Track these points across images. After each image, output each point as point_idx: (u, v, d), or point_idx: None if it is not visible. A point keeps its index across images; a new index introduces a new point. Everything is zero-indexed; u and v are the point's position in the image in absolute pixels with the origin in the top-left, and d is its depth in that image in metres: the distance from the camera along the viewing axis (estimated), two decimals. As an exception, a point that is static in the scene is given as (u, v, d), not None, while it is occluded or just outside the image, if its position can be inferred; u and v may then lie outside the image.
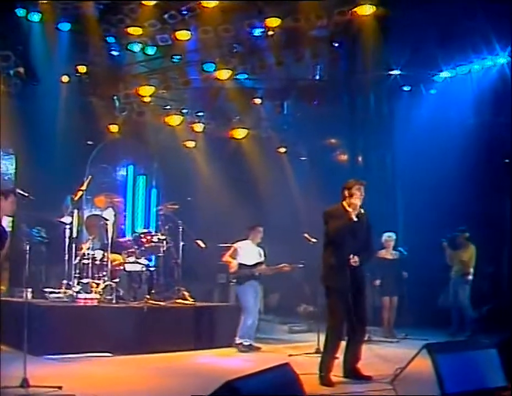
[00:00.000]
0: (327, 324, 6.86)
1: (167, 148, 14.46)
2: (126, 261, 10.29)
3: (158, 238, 10.63)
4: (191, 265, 11.11)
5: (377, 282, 11.47)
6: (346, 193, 6.77)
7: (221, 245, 11.52)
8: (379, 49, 12.55)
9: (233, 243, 9.96)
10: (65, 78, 12.34)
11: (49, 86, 11.76)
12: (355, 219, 6.64)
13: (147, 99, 13.28)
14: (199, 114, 14.58)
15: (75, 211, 10.13)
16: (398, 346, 10.48)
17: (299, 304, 14.04)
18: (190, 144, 14.89)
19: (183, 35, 11.69)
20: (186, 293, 10.56)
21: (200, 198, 13.29)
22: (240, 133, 14.86)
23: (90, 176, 10.56)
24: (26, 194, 6.69)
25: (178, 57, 12.91)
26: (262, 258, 9.80)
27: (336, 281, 6.65)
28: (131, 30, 11.43)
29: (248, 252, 9.80)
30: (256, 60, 12.61)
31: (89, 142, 13.43)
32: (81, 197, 10.31)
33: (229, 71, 12.88)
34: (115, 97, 13.00)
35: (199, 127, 14.68)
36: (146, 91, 13.04)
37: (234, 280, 9.90)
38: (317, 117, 14.78)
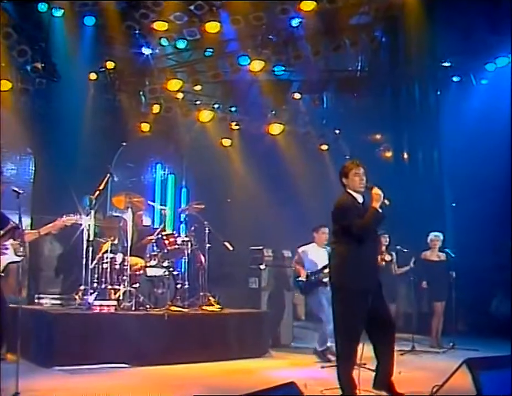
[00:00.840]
0: (339, 331, 6.07)
1: (197, 146, 14.27)
2: (148, 265, 9.79)
3: (183, 241, 10.12)
4: (220, 269, 10.73)
5: (424, 284, 10.94)
6: (344, 181, 6.09)
7: (253, 247, 11.20)
8: (425, 37, 12.19)
9: (298, 247, 9.73)
10: (89, 75, 12.24)
11: (72, 83, 11.59)
12: (380, 211, 5.96)
13: (175, 94, 13.13)
14: (231, 109, 14.24)
15: (92, 212, 9.61)
16: (444, 357, 9.90)
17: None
18: (224, 141, 14.60)
19: (212, 27, 11.42)
20: (212, 299, 10.11)
21: (233, 198, 12.72)
22: (276, 128, 14.46)
23: (108, 175, 9.92)
24: (21, 191, 6.31)
25: (209, 50, 12.65)
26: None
27: (359, 282, 5.90)
28: (156, 25, 11.16)
29: (314, 256, 9.50)
30: (291, 50, 12.32)
31: (123, 143, 13.28)
32: (98, 196, 9.77)
33: (262, 62, 12.56)
34: (141, 93, 12.79)
35: (231, 123, 14.39)
36: (174, 85, 12.82)
37: (302, 289, 9.53)
38: (359, 111, 14.44)
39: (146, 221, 11.42)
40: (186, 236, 10.33)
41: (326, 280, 8.80)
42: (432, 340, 11.03)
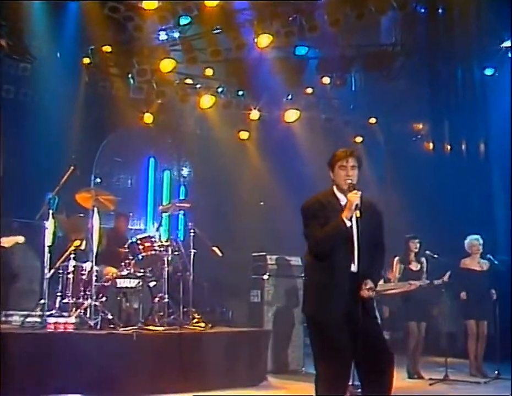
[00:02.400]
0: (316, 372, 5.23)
1: (197, 137, 13.96)
2: (118, 275, 9.10)
3: (161, 245, 9.48)
4: (217, 280, 10.35)
5: (463, 295, 10.05)
6: (331, 175, 5.40)
7: (255, 254, 10.48)
8: (474, 7, 11.80)
9: None
10: (70, 59, 11.95)
11: (50, 67, 11.50)
12: (348, 224, 5.16)
13: (169, 77, 12.56)
14: (239, 93, 13.59)
15: (50, 212, 8.86)
16: (486, 388, 8.96)
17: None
18: (229, 131, 14.09)
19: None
20: (196, 316, 9.36)
21: (241, 198, 11.87)
22: (291, 115, 13.84)
23: (72, 167, 9.10)
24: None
25: (209, 25, 11.82)
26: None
27: (322, 310, 5.16)
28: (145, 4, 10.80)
29: None
30: (305, 20, 11.45)
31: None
32: (58, 193, 9.06)
33: (270, 36, 11.80)
34: (129, 75, 12.27)
35: (238, 109, 13.71)
36: (167, 66, 12.11)
37: None
38: (392, 95, 14.11)
39: (138, 224, 10.47)
40: (166, 240, 9.70)
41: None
42: (471, 367, 10.14)
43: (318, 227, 5.16)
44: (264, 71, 12.68)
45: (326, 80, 13.49)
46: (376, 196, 13.33)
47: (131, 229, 10.17)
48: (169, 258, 9.46)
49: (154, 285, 9.30)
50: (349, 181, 5.17)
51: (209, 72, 12.93)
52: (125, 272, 9.20)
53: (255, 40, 11.73)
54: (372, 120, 14.80)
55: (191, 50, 11.88)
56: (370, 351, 5.05)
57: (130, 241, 9.50)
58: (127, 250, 9.44)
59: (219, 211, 11.88)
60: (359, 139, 14.85)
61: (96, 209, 9.08)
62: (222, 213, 11.72)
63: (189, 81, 13.12)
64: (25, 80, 11.67)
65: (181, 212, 10.36)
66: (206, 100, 13.15)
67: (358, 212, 5.10)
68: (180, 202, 10.11)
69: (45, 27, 11.01)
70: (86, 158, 12.04)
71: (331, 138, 13.94)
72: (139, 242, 9.46)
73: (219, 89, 13.36)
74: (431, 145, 14.73)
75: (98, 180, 9.55)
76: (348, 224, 5.08)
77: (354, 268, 5.14)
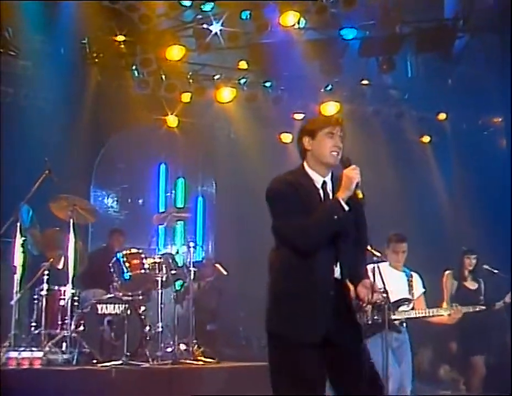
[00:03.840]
0: None
1: (217, 138, 13.60)
2: (100, 300, 8.80)
3: (154, 263, 9.15)
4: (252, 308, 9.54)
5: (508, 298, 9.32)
6: (305, 144, 4.92)
7: None
8: None
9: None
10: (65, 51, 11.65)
11: (40, 60, 11.39)
12: (346, 208, 4.71)
13: (180, 67, 12.26)
14: (266, 84, 13.00)
15: (18, 225, 8.52)
16: None
17: (440, 364, 12.08)
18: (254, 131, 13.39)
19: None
20: (197, 349, 9.03)
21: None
22: (331, 109, 13.06)
23: (45, 172, 8.80)
24: None
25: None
26: (418, 291, 8.18)
27: (297, 329, 4.65)
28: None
29: (385, 282, 7.81)
30: None
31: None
32: (29, 204, 8.88)
33: (297, 13, 11.24)
34: (133, 67, 11.94)
35: (266, 103, 13.10)
36: (175, 54, 11.69)
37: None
38: (455, 80, 13.42)
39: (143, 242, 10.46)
40: (160, 257, 9.25)
41: (398, 320, 7.86)
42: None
43: (297, 215, 4.67)
44: (295, 57, 11.97)
45: (372, 64, 12.74)
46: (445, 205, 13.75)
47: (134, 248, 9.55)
48: (164, 278, 9.10)
49: (145, 311, 9.00)
50: (336, 152, 4.76)
51: (229, 60, 12.59)
52: (108, 296, 8.91)
53: (280, 19, 11.22)
54: (434, 113, 14.13)
55: (204, 35, 11.42)
56: (354, 383, 4.61)
57: (114, 258, 9.16)
58: (111, 270, 9.11)
59: (247, 225, 11.45)
60: (416, 134, 14.31)
61: (71, 221, 8.76)
62: (252, 228, 11.14)
63: (205, 71, 12.72)
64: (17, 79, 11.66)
65: (180, 223, 10.36)
66: (225, 94, 12.71)
67: (359, 192, 4.66)
68: (179, 211, 9.87)
69: (38, 23, 10.97)
70: (83, 165, 12.08)
71: (380, 134, 13.53)
72: (124, 259, 9.12)
73: (242, 80, 12.90)
74: (504, 141, 13.89)
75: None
76: (346, 208, 4.62)
77: (337, 272, 4.72)
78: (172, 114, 12.91)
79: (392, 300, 7.73)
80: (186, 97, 12.55)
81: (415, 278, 8.14)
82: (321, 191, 4.80)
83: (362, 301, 4.74)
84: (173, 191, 13.53)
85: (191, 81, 12.48)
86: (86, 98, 12.05)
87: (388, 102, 13.85)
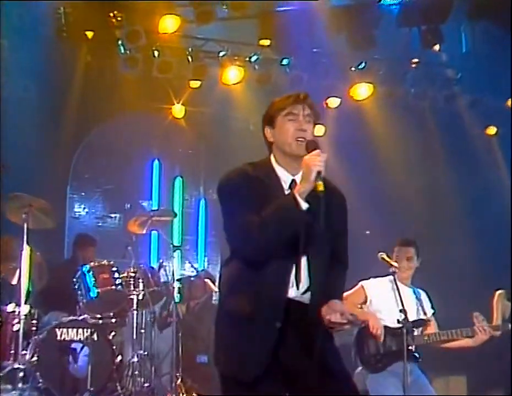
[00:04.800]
0: None
1: (220, 128, 13.57)
2: (60, 324, 8.68)
3: (127, 277, 9.15)
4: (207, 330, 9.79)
5: None
6: (267, 133, 4.92)
7: None
8: None
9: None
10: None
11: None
12: (303, 206, 4.55)
13: (176, 41, 12.34)
14: (283, 62, 12.88)
15: None
16: None
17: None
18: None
19: None
20: (182, 384, 8.93)
21: None
22: (363, 91, 13.23)
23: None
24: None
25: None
26: (429, 311, 8.24)
27: (251, 371, 4.55)
28: None
29: (388, 299, 8.07)
30: None
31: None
32: None
33: None
34: (119, 42, 11.83)
35: (281, 86, 12.87)
36: (168, 25, 11.71)
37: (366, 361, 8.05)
38: None
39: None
40: (135, 271, 9.20)
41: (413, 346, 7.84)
42: None
43: (251, 217, 4.54)
44: (319, 28, 11.96)
45: (414, 36, 12.66)
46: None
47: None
48: (140, 296, 9.09)
49: (116, 336, 8.96)
50: (301, 138, 4.64)
51: (236, 32, 12.60)
52: (70, 318, 8.85)
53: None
54: (499, 98, 13.85)
55: (204, 2, 11.45)
56: None
57: (78, 272, 9.12)
58: (75, 286, 9.07)
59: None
60: (475, 123, 14.02)
61: (26, 226, 8.57)
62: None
63: (207, 46, 12.73)
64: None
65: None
66: (232, 74, 12.67)
67: (321, 183, 4.45)
68: (160, 214, 9.81)
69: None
70: (59, 161, 12.12)
71: (426, 122, 13.54)
72: (91, 273, 9.05)
73: (253, 58, 12.80)
74: None
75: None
76: (304, 205, 4.45)
77: (295, 291, 4.59)
78: (178, 102, 12.98)
79: (400, 321, 7.62)
80: (181, 77, 12.64)
81: (424, 296, 8.15)
82: (302, 203, 4.57)
83: (328, 326, 4.55)
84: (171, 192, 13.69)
85: (190, 58, 12.44)
86: (59, 79, 12.11)
87: (436, 83, 13.65)
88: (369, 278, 8.36)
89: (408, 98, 13.70)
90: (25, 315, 8.44)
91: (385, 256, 7.71)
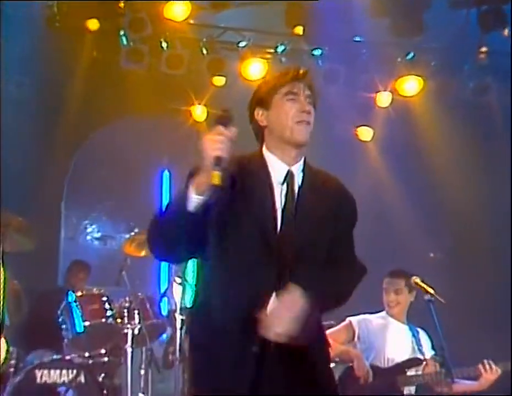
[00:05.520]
0: None
1: (243, 133, 12.21)
2: (41, 364, 8.63)
3: (121, 307, 9.06)
4: None
5: None
6: (259, 116, 4.78)
7: None
8: None
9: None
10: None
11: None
12: (191, 205, 4.37)
13: (187, 31, 12.31)
14: (314, 52, 12.87)
15: None
16: None
17: None
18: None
19: None
20: None
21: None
22: (411, 86, 13.10)
23: None
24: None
25: None
26: (425, 351, 8.42)
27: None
28: None
29: (378, 336, 8.48)
30: None
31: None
32: None
33: None
34: (121, 33, 11.95)
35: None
36: (177, 12, 11.63)
37: None
38: None
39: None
40: (130, 300, 9.11)
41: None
42: None
43: (230, 213, 4.47)
44: (357, 13, 11.77)
45: (472, 20, 12.25)
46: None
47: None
48: (136, 331, 9.02)
49: (105, 377, 8.88)
50: (305, 122, 4.56)
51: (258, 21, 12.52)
52: (52, 358, 8.82)
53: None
54: None
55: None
56: None
57: (63, 302, 9.08)
58: (59, 318, 9.00)
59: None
60: None
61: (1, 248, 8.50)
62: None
63: (226, 37, 12.74)
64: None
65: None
66: (255, 68, 12.56)
67: (217, 174, 4.17)
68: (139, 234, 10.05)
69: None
70: (52, 173, 12.18)
71: (487, 122, 13.27)
72: (77, 303, 8.97)
73: (280, 48, 12.78)
74: None
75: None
76: (193, 203, 4.26)
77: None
78: (199, 103, 12.92)
79: (393, 361, 8.24)
80: (194, 72, 12.57)
81: (423, 335, 8.34)
82: (281, 187, 4.57)
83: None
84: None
85: (204, 51, 12.45)
86: (64, 79, 12.30)
87: (499, 75, 13.36)
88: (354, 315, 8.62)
89: (465, 93, 13.48)
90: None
91: (418, 281, 7.76)
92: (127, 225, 12.75)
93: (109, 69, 12.52)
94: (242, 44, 12.76)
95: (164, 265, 12.41)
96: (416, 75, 13.07)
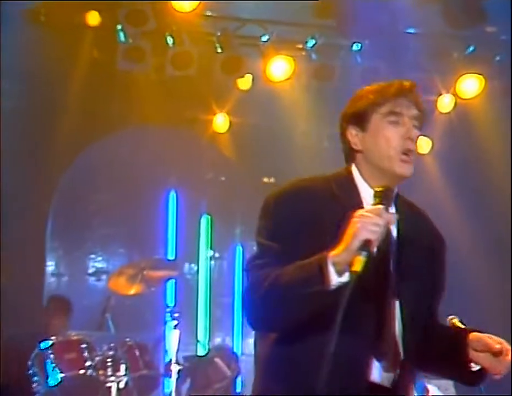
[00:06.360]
0: None
1: (266, 143, 13.53)
2: None
3: (104, 357, 8.98)
4: None
5: None
6: (352, 139, 4.69)
7: None
8: None
9: None
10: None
11: None
12: (332, 282, 4.26)
13: (198, 24, 12.37)
14: (354, 47, 12.79)
15: None
16: None
17: None
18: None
19: None
20: None
21: None
22: (470, 87, 13.08)
23: None
24: None
25: None
26: None
27: None
28: None
29: None
30: None
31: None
32: None
33: None
34: (119, 27, 11.96)
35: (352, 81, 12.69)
36: (187, 2, 11.67)
37: None
38: None
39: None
40: (114, 348, 9.10)
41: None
42: None
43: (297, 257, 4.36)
44: (401, 2, 11.87)
45: None
46: None
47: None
48: (122, 384, 8.98)
49: None
50: (409, 151, 4.52)
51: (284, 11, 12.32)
52: None
53: None
54: None
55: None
56: None
57: (35, 350, 9.12)
58: (29, 370, 8.94)
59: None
60: None
61: None
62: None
63: (246, 31, 12.67)
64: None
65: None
66: (280, 67, 12.49)
67: (362, 260, 4.11)
68: (155, 265, 9.95)
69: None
70: (35, 195, 12.30)
71: None
72: (51, 351, 8.86)
73: (310, 43, 12.69)
74: None
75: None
76: (334, 281, 4.16)
77: (377, 375, 4.49)
78: (219, 112, 13.08)
79: None
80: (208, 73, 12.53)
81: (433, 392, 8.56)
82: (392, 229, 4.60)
83: None
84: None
85: (219, 47, 12.34)
86: (51, 81, 12.45)
87: None
88: None
89: None
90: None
91: (456, 321, 7.26)
92: (126, 258, 12.83)
93: (108, 70, 12.52)
94: (264, 38, 12.62)
95: (159, 305, 12.11)
96: (476, 73, 12.84)
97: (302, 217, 4.50)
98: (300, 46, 12.87)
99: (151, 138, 13.34)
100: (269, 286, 4.29)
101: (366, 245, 4.08)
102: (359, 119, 4.59)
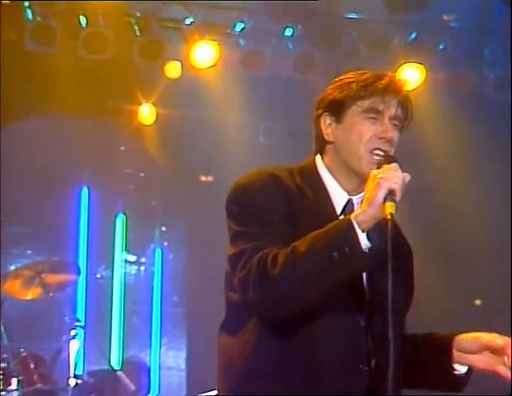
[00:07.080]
0: None
1: (194, 137, 13.54)
2: None
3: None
4: None
5: None
6: (324, 127, 4.75)
7: None
8: None
9: None
10: None
11: None
12: (363, 243, 4.39)
13: (115, 4, 12.20)
14: (286, 33, 12.88)
15: None
16: None
17: None
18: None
19: None
20: None
21: None
22: (410, 74, 12.86)
23: None
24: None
25: None
26: None
27: None
28: None
29: None
30: None
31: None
32: None
33: None
34: (26, 4, 11.91)
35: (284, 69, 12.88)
36: None
37: None
38: None
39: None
40: (4, 359, 9.03)
41: None
42: None
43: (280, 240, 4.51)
44: None
45: None
46: None
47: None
48: None
49: None
50: (381, 152, 4.57)
51: None
52: None
53: None
54: None
55: None
56: None
57: None
58: None
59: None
60: None
61: None
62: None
63: (168, 12, 12.66)
64: None
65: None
66: (204, 52, 12.42)
67: (392, 205, 4.28)
68: (54, 269, 9.81)
69: None
70: None
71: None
72: None
73: (237, 26, 12.64)
74: None
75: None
76: (364, 242, 4.32)
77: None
78: (146, 102, 13.00)
79: None
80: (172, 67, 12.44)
81: None
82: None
83: None
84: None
85: (137, 30, 12.23)
86: None
87: None
88: None
89: (484, 87, 13.20)
90: None
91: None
92: (34, 257, 12.43)
93: (15, 51, 12.23)
94: (188, 21, 12.56)
95: (60, 311, 11.73)
96: (417, 63, 12.76)
97: (276, 203, 4.56)
98: (228, 31, 12.78)
99: (66, 128, 13.16)
100: (286, 261, 4.28)
101: (393, 194, 4.22)
102: (335, 108, 4.66)
